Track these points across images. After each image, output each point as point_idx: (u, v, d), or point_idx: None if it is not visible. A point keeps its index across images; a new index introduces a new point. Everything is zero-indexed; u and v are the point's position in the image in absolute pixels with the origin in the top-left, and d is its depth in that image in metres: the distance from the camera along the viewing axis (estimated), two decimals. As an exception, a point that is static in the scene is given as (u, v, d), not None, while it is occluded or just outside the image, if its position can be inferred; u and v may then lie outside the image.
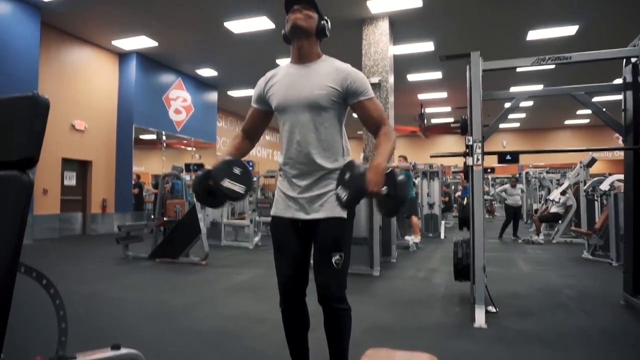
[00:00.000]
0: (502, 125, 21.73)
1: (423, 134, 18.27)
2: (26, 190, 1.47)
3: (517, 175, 17.57)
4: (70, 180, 10.07)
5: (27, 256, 5.53)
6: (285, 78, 1.81)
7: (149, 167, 13.33)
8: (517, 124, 21.29)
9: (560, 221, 8.52)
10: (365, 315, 3.36)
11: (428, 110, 17.10)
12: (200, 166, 8.20)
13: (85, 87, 10.27)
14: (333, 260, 1.72)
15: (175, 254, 6.09)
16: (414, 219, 7.96)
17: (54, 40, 9.44)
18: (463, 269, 3.89)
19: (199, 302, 3.85)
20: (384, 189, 1.53)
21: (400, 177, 1.56)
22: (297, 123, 1.75)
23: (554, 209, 8.59)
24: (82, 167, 10.39)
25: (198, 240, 6.06)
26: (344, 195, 1.53)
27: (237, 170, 1.67)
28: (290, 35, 1.79)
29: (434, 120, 18.72)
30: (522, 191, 10.55)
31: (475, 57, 3.62)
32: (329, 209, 1.74)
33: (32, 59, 8.45)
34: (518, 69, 11.76)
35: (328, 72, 1.76)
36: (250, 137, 1.98)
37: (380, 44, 8.84)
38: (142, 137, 11.69)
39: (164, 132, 12.18)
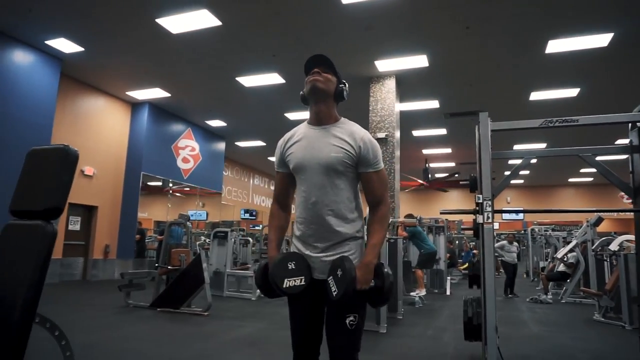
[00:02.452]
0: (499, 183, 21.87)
1: (432, 188, 18.42)
2: (49, 241, 1.50)
3: (522, 231, 17.50)
4: (75, 225, 10.07)
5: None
6: (303, 139, 1.85)
7: (152, 213, 13.33)
8: (522, 181, 21.43)
9: (568, 280, 8.37)
10: (374, 376, 3.25)
11: (432, 165, 17.31)
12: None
13: (97, 134, 10.51)
14: (347, 322, 1.70)
15: (178, 303, 5.98)
16: (419, 271, 7.89)
17: (71, 89, 9.77)
18: (474, 329, 3.79)
19: (202, 356, 3.74)
20: (372, 282, 1.68)
21: (386, 270, 1.70)
22: (313, 185, 1.77)
23: (561, 268, 8.46)
24: (88, 212, 10.42)
25: (201, 290, 5.97)
26: (334, 290, 1.64)
27: (291, 265, 1.74)
28: (309, 97, 1.84)
29: (437, 175, 18.86)
30: (518, 248, 10.57)
31: (484, 118, 3.72)
32: None
33: (49, 107, 8.72)
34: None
35: (345, 135, 1.79)
36: (284, 204, 1.98)
37: (387, 101, 9.10)
38: (148, 183, 11.78)
39: (171, 180, 12.30)
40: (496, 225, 22.47)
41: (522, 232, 16.42)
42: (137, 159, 11.24)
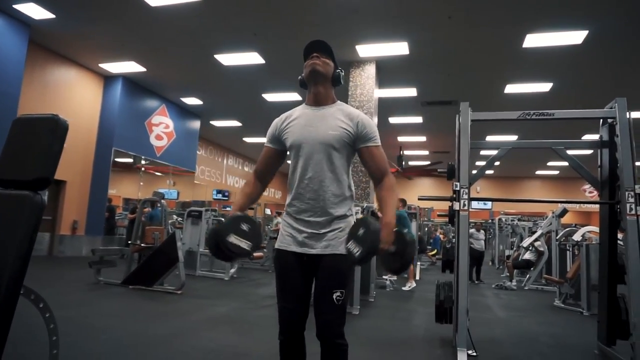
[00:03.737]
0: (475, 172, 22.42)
1: (403, 176, 18.65)
2: (37, 212, 1.47)
3: (489, 220, 18.03)
4: (42, 199, 9.75)
5: None
6: (301, 118, 1.91)
7: (122, 190, 13.05)
8: (492, 172, 21.97)
9: (532, 268, 8.72)
10: (349, 355, 3.33)
11: (407, 152, 17.53)
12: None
13: (67, 106, 10.14)
14: (334, 297, 1.75)
15: (150, 281, 5.93)
16: (412, 265, 7.91)
17: (40, 57, 9.37)
18: (445, 311, 3.93)
19: (177, 334, 3.74)
20: (392, 247, 1.62)
21: (410, 237, 1.65)
22: (311, 160, 1.82)
23: (527, 256, 8.80)
24: (55, 187, 10.11)
25: (175, 269, 5.94)
26: (356, 250, 1.58)
27: (244, 227, 1.70)
28: (308, 80, 1.90)
29: (412, 163, 19.13)
30: (485, 236, 10.89)
31: (464, 108, 3.81)
32: (333, 245, 1.80)
33: (16, 75, 8.35)
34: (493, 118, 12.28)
35: (342, 115, 1.87)
36: (262, 178, 2.02)
37: (366, 87, 9.12)
38: (117, 160, 11.48)
39: (143, 157, 12.04)
40: (464, 214, 23.13)
41: (490, 221, 16.89)
42: (109, 134, 10.94)
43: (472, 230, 9.71)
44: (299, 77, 1.94)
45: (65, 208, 10.23)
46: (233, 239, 1.66)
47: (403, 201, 8.26)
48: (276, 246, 1.93)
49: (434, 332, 4.30)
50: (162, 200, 6.76)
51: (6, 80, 8.14)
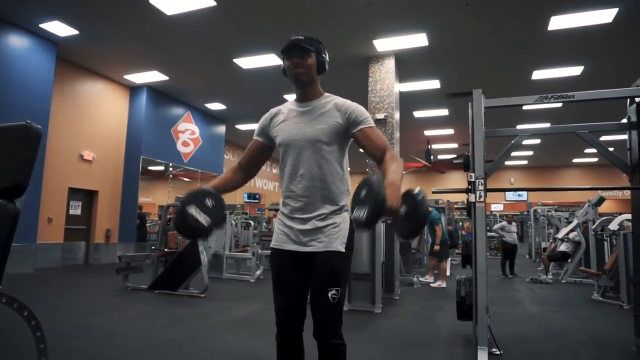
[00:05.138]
0: (509, 163, 21.74)
1: (433, 170, 18.28)
2: (10, 220, 1.46)
3: (525, 212, 17.43)
4: (76, 209, 10.10)
5: (27, 285, 5.55)
6: (289, 115, 1.86)
7: (156, 198, 13.39)
8: (525, 162, 21.25)
9: (569, 260, 8.33)
10: (363, 355, 3.24)
11: (435, 146, 17.18)
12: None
13: (95, 118, 10.47)
14: (329, 295, 1.68)
15: (175, 286, 6.01)
16: (444, 264, 7.59)
17: (68, 73, 9.70)
18: (466, 309, 3.77)
19: (194, 338, 3.75)
20: (402, 208, 1.42)
21: (420, 195, 1.45)
22: (301, 157, 1.77)
23: (562, 248, 8.43)
24: (88, 197, 10.44)
25: (198, 272, 5.99)
26: (362, 214, 1.39)
27: (208, 202, 1.62)
28: (294, 84, 1.84)
29: (440, 157, 18.73)
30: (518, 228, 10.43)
31: (477, 95, 3.64)
32: (328, 242, 1.74)
33: (46, 91, 8.66)
34: (524, 108, 11.84)
35: (329, 107, 1.81)
36: (246, 170, 1.99)
37: (386, 81, 8.96)
38: (150, 168, 11.79)
39: (171, 164, 12.28)
40: (500, 207, 22.50)
41: (525, 213, 16.32)
42: (137, 143, 11.20)
43: (504, 223, 9.40)
44: (282, 66, 1.87)
45: (99, 217, 10.55)
46: (193, 210, 1.58)
47: None
48: (271, 245, 1.89)
49: (457, 330, 4.14)
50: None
51: (36, 96, 8.45)
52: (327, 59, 1.89)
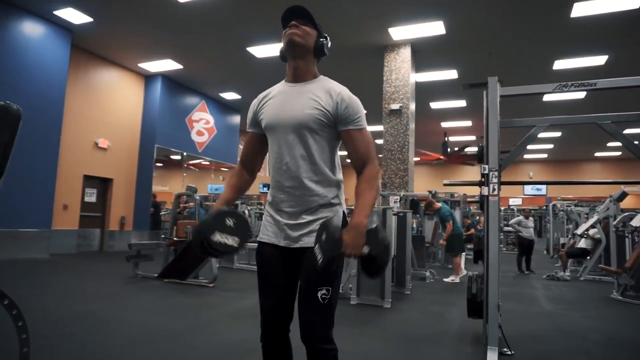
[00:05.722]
0: (528, 156, 21.29)
1: (450, 162, 17.99)
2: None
3: (544, 207, 17.04)
4: (91, 197, 10.20)
5: (39, 270, 5.57)
6: (277, 97, 1.71)
7: (173, 187, 13.45)
8: (545, 155, 20.75)
9: (588, 257, 8.08)
10: (369, 351, 3.14)
11: (452, 138, 16.86)
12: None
13: (110, 107, 10.52)
14: (319, 295, 1.55)
15: (184, 275, 5.99)
16: (457, 259, 7.38)
17: (82, 61, 9.74)
18: (477, 306, 3.63)
19: (196, 327, 3.70)
20: (365, 248, 1.44)
21: (383, 235, 1.47)
22: (286, 143, 1.63)
23: (581, 244, 8.17)
24: (103, 185, 10.53)
25: (208, 262, 5.96)
26: (319, 257, 1.42)
27: (229, 222, 1.53)
28: (286, 52, 1.70)
29: (457, 149, 18.41)
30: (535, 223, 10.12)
31: (492, 82, 3.48)
32: None
33: (60, 79, 8.72)
34: (545, 99, 11.50)
35: (321, 92, 1.64)
36: (249, 167, 1.84)
37: (401, 71, 8.77)
38: (168, 157, 11.84)
39: (184, 153, 12.31)
40: (519, 201, 22.06)
41: (544, 207, 15.95)
42: (151, 132, 11.24)
43: (520, 218, 9.17)
44: (280, 49, 1.74)
45: (113, 205, 10.64)
46: (218, 237, 1.49)
47: (430, 201, 7.67)
48: (258, 238, 1.76)
49: (468, 328, 4.01)
50: (195, 195, 6.81)
51: (51, 84, 8.51)
52: (328, 45, 1.74)
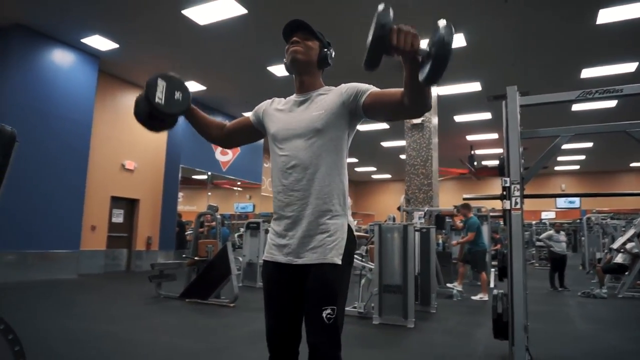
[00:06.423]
0: (559, 168, 20.61)
1: (474, 176, 17.59)
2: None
3: (578, 220, 16.38)
4: (118, 217, 10.40)
5: (66, 290, 5.64)
6: (286, 106, 1.73)
7: (200, 207, 13.61)
8: (577, 167, 20.06)
9: (626, 273, 7.66)
10: (387, 375, 3.01)
11: (478, 151, 16.52)
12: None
13: (137, 129, 10.55)
14: (324, 315, 1.47)
15: (205, 294, 5.97)
16: (484, 275, 7.11)
17: (109, 85, 10.05)
18: (503, 326, 3.45)
19: (214, 349, 3.65)
20: (422, 46, 1.15)
21: (444, 28, 1.12)
22: (294, 147, 1.61)
23: (618, 259, 7.76)
24: (130, 205, 10.73)
25: (228, 281, 5.93)
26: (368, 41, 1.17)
27: (177, 94, 1.66)
28: (291, 69, 1.72)
29: (485, 163, 18.02)
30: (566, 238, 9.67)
31: (511, 92, 3.36)
32: (322, 252, 1.53)
33: (88, 103, 9.00)
34: (574, 109, 11.16)
35: (326, 96, 1.65)
36: (225, 134, 1.92)
37: (422, 84, 8.65)
38: (195, 177, 12.01)
39: (209, 173, 12.46)
40: (552, 215, 21.29)
41: (578, 221, 15.32)
42: (176, 152, 11.44)
43: (551, 232, 8.81)
44: (284, 61, 1.74)
45: (140, 225, 10.81)
46: (159, 82, 1.57)
47: (466, 206, 7.48)
48: (263, 257, 1.72)
49: (494, 349, 3.81)
50: (216, 214, 6.83)
51: (79, 109, 8.79)
52: (332, 55, 1.74)
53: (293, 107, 1.70)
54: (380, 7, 1.15)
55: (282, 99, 1.80)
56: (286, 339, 1.60)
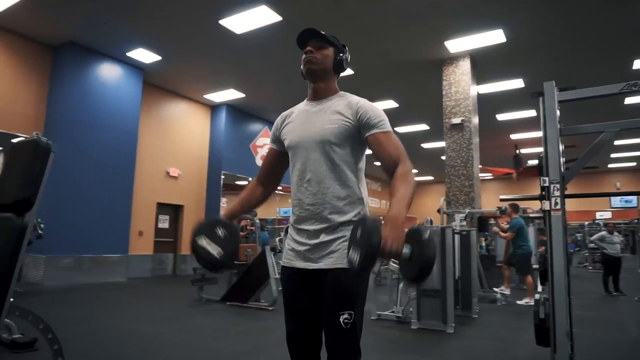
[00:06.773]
0: (613, 165, 19.48)
1: (515, 177, 16.97)
2: (17, 234, 1.46)
3: (636, 220, 15.45)
4: (164, 223, 10.78)
5: (114, 293, 5.92)
6: (299, 116, 1.72)
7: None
8: (634, 163, 18.91)
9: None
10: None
11: (524, 151, 15.91)
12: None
13: (180, 137, 11.16)
14: (341, 320, 1.47)
15: (245, 298, 6.08)
16: (530, 278, 6.84)
17: (153, 96, 10.46)
18: (546, 332, 3.29)
19: (252, 352, 3.70)
20: (406, 249, 1.28)
21: (427, 235, 1.29)
22: (309, 160, 1.61)
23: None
24: (175, 211, 11.11)
25: (267, 285, 6.01)
26: (355, 257, 1.27)
27: (220, 232, 1.52)
28: (306, 78, 1.72)
29: (531, 162, 17.32)
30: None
31: (548, 87, 3.23)
32: (339, 257, 1.53)
33: (134, 114, 9.42)
34: (627, 102, 10.56)
35: (341, 106, 1.64)
36: (265, 183, 1.86)
37: (461, 84, 8.47)
38: (238, 182, 12.30)
39: (250, 178, 12.69)
40: (608, 215, 20.14)
41: (636, 221, 14.44)
42: (218, 159, 11.75)
43: (603, 233, 8.35)
44: (301, 68, 1.73)
45: (184, 230, 11.15)
46: (202, 240, 1.49)
47: (514, 207, 7.20)
48: (281, 262, 1.74)
49: (538, 356, 3.64)
50: (255, 218, 6.95)
51: (126, 119, 9.22)
52: (348, 59, 1.74)
53: (306, 116, 1.69)
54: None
55: (292, 110, 1.78)
56: (306, 343, 1.61)
